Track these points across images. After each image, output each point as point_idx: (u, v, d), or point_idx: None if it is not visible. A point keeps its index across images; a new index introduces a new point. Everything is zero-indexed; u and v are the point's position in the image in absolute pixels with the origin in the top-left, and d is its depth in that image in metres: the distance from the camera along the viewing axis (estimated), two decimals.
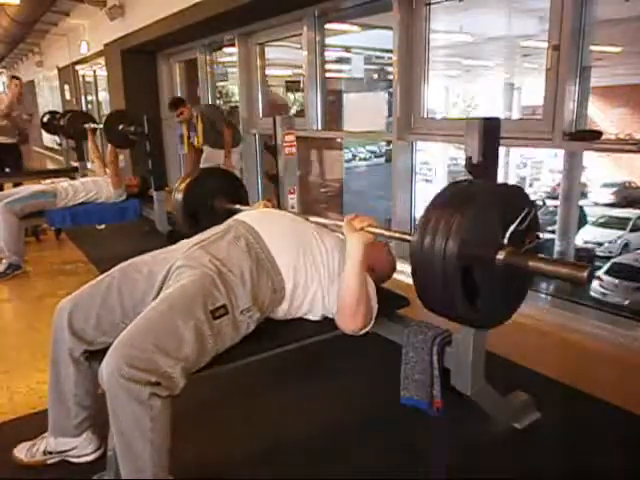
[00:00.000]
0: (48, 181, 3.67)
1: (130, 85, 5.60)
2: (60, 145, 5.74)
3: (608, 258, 6.62)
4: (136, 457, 1.18)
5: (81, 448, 1.51)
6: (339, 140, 5.35)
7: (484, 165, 1.39)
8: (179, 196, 2.16)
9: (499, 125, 1.39)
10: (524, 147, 3.07)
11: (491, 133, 1.34)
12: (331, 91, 4.24)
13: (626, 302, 5.45)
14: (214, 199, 2.20)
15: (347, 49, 5.28)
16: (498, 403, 1.57)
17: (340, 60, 5.40)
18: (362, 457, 1.55)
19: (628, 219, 7.95)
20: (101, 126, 4.09)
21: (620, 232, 7.70)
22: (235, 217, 1.65)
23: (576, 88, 2.09)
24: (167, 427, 1.19)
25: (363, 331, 1.49)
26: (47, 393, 1.50)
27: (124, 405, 1.15)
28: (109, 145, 3.81)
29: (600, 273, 5.85)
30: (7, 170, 5.22)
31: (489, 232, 1.16)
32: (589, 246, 7.13)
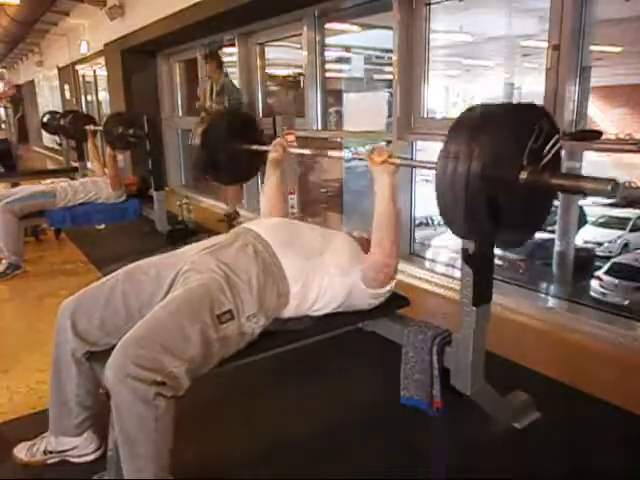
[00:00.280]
0: (48, 181, 3.66)
1: (130, 85, 5.61)
2: (60, 145, 5.74)
3: (608, 258, 6.61)
4: (138, 457, 1.18)
5: (81, 448, 1.51)
6: (339, 140, 5.35)
7: None
8: (197, 140, 2.12)
9: None
10: None
11: None
12: (331, 91, 4.23)
13: (626, 302, 5.44)
14: (231, 141, 2.17)
15: (347, 49, 5.28)
16: (498, 403, 1.57)
17: (340, 60, 5.40)
18: (362, 457, 1.55)
19: (628, 219, 7.94)
20: (101, 128, 4.09)
21: (620, 232, 7.69)
22: (243, 225, 1.66)
23: (576, 88, 2.09)
24: (170, 427, 1.20)
25: (389, 285, 1.53)
26: (47, 393, 1.50)
27: (129, 404, 1.15)
28: (108, 147, 3.80)
29: (600, 273, 5.85)
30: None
31: (510, 153, 1.14)
32: (589, 246, 7.13)
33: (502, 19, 4.25)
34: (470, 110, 1.19)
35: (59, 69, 9.32)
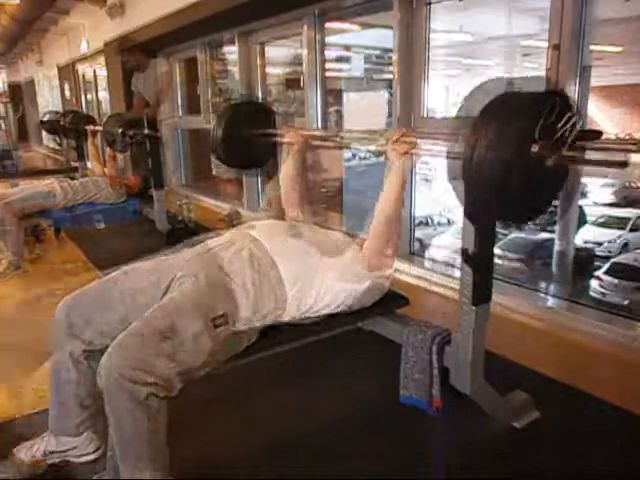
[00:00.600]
0: (48, 181, 3.66)
1: (130, 84, 5.60)
2: (60, 145, 5.74)
3: (608, 258, 6.61)
4: (134, 457, 1.18)
5: (82, 448, 1.51)
6: (339, 139, 5.35)
7: None
8: (219, 132, 2.16)
9: None
10: None
11: None
12: (331, 90, 4.23)
13: (626, 302, 5.44)
14: (248, 131, 2.20)
15: (347, 48, 5.29)
16: (497, 402, 1.57)
17: (340, 59, 5.40)
18: (361, 456, 1.55)
19: (628, 219, 7.94)
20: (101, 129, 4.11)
21: (620, 232, 7.70)
22: (240, 228, 1.66)
23: (576, 88, 2.08)
24: (164, 428, 1.20)
25: (389, 267, 1.57)
26: (47, 393, 1.50)
27: (122, 404, 1.15)
28: (108, 148, 3.80)
29: (600, 273, 5.85)
30: None
31: (534, 140, 1.15)
32: (589, 246, 7.13)
33: (502, 19, 4.26)
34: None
35: (59, 68, 9.31)
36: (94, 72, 8.17)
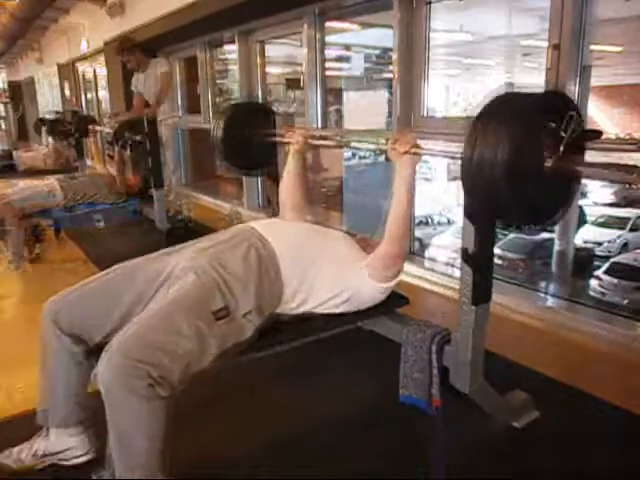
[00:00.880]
0: (48, 181, 3.66)
1: (130, 83, 5.60)
2: (60, 154, 5.76)
3: (607, 258, 6.61)
4: (132, 453, 1.18)
5: (74, 450, 1.49)
6: (338, 139, 5.35)
7: None
8: (219, 133, 2.14)
9: None
10: None
11: None
12: (331, 89, 4.23)
13: (625, 302, 5.45)
14: (249, 131, 2.18)
15: (347, 47, 5.28)
16: (497, 402, 1.57)
17: (340, 58, 5.39)
18: (360, 456, 1.55)
19: (627, 219, 7.95)
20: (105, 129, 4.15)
21: (619, 232, 7.70)
22: (247, 224, 1.66)
23: (576, 87, 2.09)
24: (164, 425, 1.19)
25: (396, 277, 1.52)
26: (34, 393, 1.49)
27: (123, 400, 1.14)
28: (117, 153, 3.81)
29: (599, 273, 5.85)
30: None
31: (537, 140, 1.14)
32: (589, 246, 7.13)
33: (502, 18, 4.25)
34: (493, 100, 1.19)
35: (59, 67, 9.31)
36: (94, 71, 8.17)
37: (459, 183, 1.18)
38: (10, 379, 2.03)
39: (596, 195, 9.18)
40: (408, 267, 2.84)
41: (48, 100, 11.13)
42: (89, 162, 5.25)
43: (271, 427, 1.70)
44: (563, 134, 1.13)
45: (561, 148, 1.13)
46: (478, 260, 1.34)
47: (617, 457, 1.51)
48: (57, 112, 8.60)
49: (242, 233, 1.55)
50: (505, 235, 5.78)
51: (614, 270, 5.90)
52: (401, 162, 1.45)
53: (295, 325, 1.53)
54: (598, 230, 7.79)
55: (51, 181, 3.62)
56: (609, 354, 1.84)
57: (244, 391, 1.90)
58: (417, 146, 1.44)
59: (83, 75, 8.87)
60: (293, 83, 4.70)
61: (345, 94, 5.12)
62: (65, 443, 1.48)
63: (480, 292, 1.38)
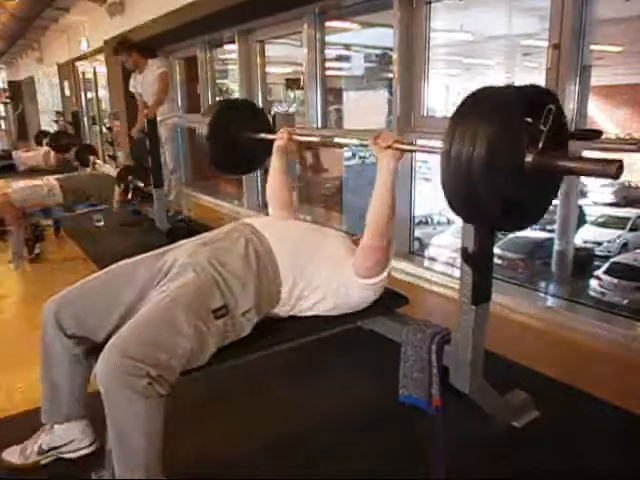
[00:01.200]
0: (47, 181, 3.65)
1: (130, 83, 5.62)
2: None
3: (607, 257, 6.61)
4: (132, 453, 1.18)
5: (77, 442, 1.51)
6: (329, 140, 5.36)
7: None
8: (205, 130, 2.09)
9: None
10: None
11: None
12: (331, 89, 4.23)
13: (625, 302, 5.45)
14: (238, 130, 2.13)
15: (347, 47, 5.28)
16: (497, 402, 1.57)
17: (340, 58, 5.39)
18: (360, 455, 1.55)
19: (627, 219, 7.95)
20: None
21: (619, 231, 7.70)
22: (243, 220, 1.66)
23: (576, 87, 2.09)
24: (162, 423, 1.19)
25: (382, 274, 1.49)
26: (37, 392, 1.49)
27: (121, 397, 1.15)
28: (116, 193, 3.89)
29: (599, 272, 5.85)
30: None
31: (516, 135, 1.12)
32: (589, 246, 7.13)
33: (502, 18, 4.25)
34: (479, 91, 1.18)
35: (59, 66, 9.30)
36: (94, 70, 8.16)
37: None
38: (10, 379, 2.03)
39: (596, 195, 9.18)
40: (408, 267, 2.84)
41: (48, 99, 11.13)
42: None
43: (271, 427, 1.70)
44: (542, 128, 1.11)
45: (540, 143, 1.11)
46: (478, 260, 1.34)
47: (617, 457, 1.51)
48: (57, 112, 8.62)
49: (239, 229, 1.55)
50: (505, 235, 5.78)
51: (614, 270, 5.90)
52: (383, 155, 1.46)
53: (295, 325, 1.53)
54: (598, 230, 7.79)
55: (51, 181, 3.62)
56: (609, 354, 1.84)
57: (244, 391, 1.90)
58: (399, 141, 1.45)
59: (83, 74, 8.87)
60: (293, 83, 4.69)
61: (345, 94, 5.11)
62: (69, 435, 1.50)
63: (480, 292, 1.38)
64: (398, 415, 1.63)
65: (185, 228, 3.81)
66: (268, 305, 1.46)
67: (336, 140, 1.81)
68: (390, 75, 3.11)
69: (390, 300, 1.70)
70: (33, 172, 5.30)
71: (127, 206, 3.90)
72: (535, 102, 1.14)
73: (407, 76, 2.74)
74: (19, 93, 13.61)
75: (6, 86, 14.28)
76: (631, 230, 7.77)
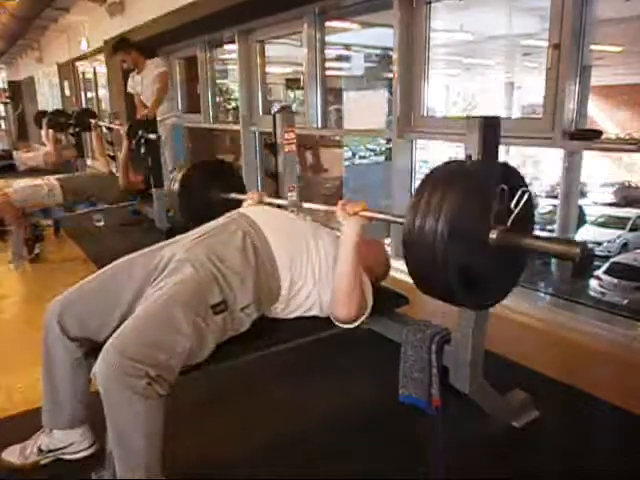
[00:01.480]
0: (48, 180, 3.65)
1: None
2: (60, 142, 5.75)
3: (607, 257, 6.62)
4: (132, 453, 1.18)
5: (77, 444, 1.50)
6: (338, 138, 5.36)
7: None
8: (175, 187, 2.18)
9: (499, 124, 1.39)
10: (524, 146, 3.07)
11: (491, 132, 1.34)
12: (331, 89, 4.23)
13: (625, 301, 5.45)
14: (211, 189, 2.22)
15: (347, 47, 5.27)
16: (497, 402, 1.57)
17: (340, 58, 5.39)
18: (360, 455, 1.55)
19: (627, 219, 7.95)
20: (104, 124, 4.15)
21: (619, 231, 7.70)
22: (238, 210, 1.66)
23: (576, 87, 2.08)
24: (161, 423, 1.19)
25: (355, 323, 1.49)
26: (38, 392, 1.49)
27: (121, 397, 1.14)
28: (124, 147, 3.80)
29: (599, 272, 5.86)
30: None
31: (480, 212, 1.15)
32: (588, 246, 7.14)
33: (502, 18, 4.25)
34: (447, 164, 1.22)
35: (59, 66, 9.30)
36: (94, 70, 8.16)
37: None
38: (10, 379, 2.03)
39: (596, 195, 9.19)
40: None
41: (48, 99, 11.11)
42: (89, 162, 5.26)
43: (270, 427, 1.70)
44: (513, 208, 1.15)
45: (509, 222, 1.15)
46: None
47: (617, 457, 1.51)
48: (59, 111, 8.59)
49: (236, 221, 1.54)
50: None
51: (614, 270, 5.90)
52: (348, 222, 1.49)
53: (294, 325, 1.53)
54: (598, 230, 7.79)
55: (51, 180, 3.62)
56: (609, 354, 1.84)
57: (243, 391, 1.90)
58: (365, 209, 1.49)
59: (83, 74, 8.86)
60: (293, 83, 4.69)
61: (345, 94, 5.11)
62: (69, 438, 1.50)
63: None
64: (398, 415, 1.63)
65: (185, 228, 3.80)
66: (268, 301, 1.46)
67: (305, 205, 1.88)
68: (390, 75, 3.11)
69: (390, 300, 1.70)
70: (33, 172, 5.30)
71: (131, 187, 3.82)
72: (504, 179, 1.17)
73: (407, 76, 2.74)
74: (19, 93, 13.61)
75: (6, 86, 14.27)
76: (631, 230, 7.77)
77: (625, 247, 7.37)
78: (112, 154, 4.58)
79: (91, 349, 1.39)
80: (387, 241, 2.86)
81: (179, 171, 2.22)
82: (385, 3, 2.79)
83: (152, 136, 3.55)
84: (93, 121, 4.70)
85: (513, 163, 1.32)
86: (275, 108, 4.78)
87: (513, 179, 1.21)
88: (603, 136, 2.03)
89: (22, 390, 1.94)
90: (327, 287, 1.50)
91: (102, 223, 4.44)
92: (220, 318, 1.32)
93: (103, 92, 7.95)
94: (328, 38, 3.63)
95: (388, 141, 3.14)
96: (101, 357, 1.16)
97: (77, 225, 4.26)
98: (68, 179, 3.77)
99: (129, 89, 4.52)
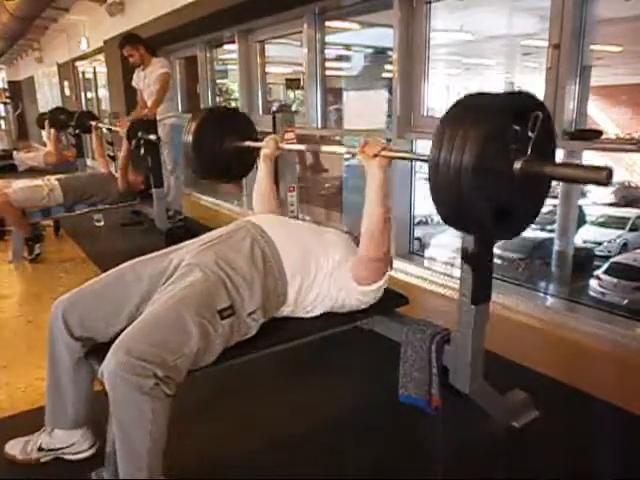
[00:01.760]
0: (48, 180, 3.65)
1: (130, 82, 5.62)
2: (60, 142, 5.76)
3: (607, 257, 6.62)
4: (136, 453, 1.18)
5: (77, 445, 1.51)
6: (338, 138, 5.36)
7: None
8: (189, 138, 2.06)
9: None
10: None
11: None
12: (331, 89, 4.23)
13: (625, 302, 5.45)
14: (224, 138, 2.10)
15: (347, 47, 5.27)
16: (496, 401, 1.57)
17: (340, 57, 5.39)
18: (360, 455, 1.55)
19: (627, 218, 7.95)
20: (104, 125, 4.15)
21: (619, 231, 7.70)
22: (246, 219, 1.66)
23: (576, 87, 2.09)
24: (165, 424, 1.19)
25: (380, 281, 1.50)
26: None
27: (127, 397, 1.15)
28: (124, 149, 3.79)
29: (599, 272, 5.85)
30: None
31: (504, 142, 1.12)
32: (588, 245, 7.13)
33: (503, 18, 4.25)
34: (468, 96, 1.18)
35: (59, 66, 9.30)
36: (94, 70, 8.16)
37: None
38: (10, 379, 2.03)
39: (595, 195, 9.18)
40: (408, 267, 2.84)
41: (48, 99, 11.12)
42: (89, 162, 5.26)
43: (271, 427, 1.71)
44: (530, 135, 1.12)
45: (529, 150, 1.12)
46: (478, 260, 1.34)
47: (617, 457, 1.51)
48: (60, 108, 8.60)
49: (244, 228, 1.55)
50: None
51: (614, 270, 5.90)
52: (370, 164, 1.46)
53: (295, 325, 1.53)
54: (598, 230, 7.79)
55: (51, 180, 3.62)
56: (609, 354, 1.84)
57: (244, 391, 1.90)
58: (386, 149, 1.45)
59: (83, 74, 8.86)
60: (293, 83, 4.69)
61: (345, 93, 5.11)
62: (70, 439, 1.51)
63: (480, 292, 1.38)
64: (398, 415, 1.63)
65: (185, 228, 3.81)
66: (274, 306, 1.47)
67: (324, 149, 1.82)
68: (386, 74, 3.11)
69: (390, 300, 1.70)
70: (33, 172, 5.30)
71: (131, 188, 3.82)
72: (523, 108, 1.14)
73: (407, 76, 2.74)
74: (19, 93, 13.62)
75: (6, 86, 14.27)
76: (631, 230, 7.77)
77: (625, 247, 7.37)
78: (112, 154, 4.58)
79: (92, 349, 1.40)
80: None
81: (191, 122, 2.09)
82: (385, 3, 2.80)
83: (152, 137, 3.54)
84: (93, 123, 4.68)
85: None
86: (274, 107, 4.78)
87: (530, 105, 1.16)
88: (603, 136, 2.03)
89: (23, 390, 1.94)
90: (336, 283, 1.51)
91: (102, 223, 4.44)
92: (227, 323, 1.32)
93: (103, 92, 7.95)
94: (328, 38, 3.63)
95: (388, 141, 3.14)
96: (109, 356, 1.16)
97: (77, 225, 4.26)
98: (68, 179, 3.76)
99: (133, 83, 4.52)
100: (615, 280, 5.67)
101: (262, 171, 1.93)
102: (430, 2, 2.66)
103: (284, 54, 4.78)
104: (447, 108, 1.15)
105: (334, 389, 1.91)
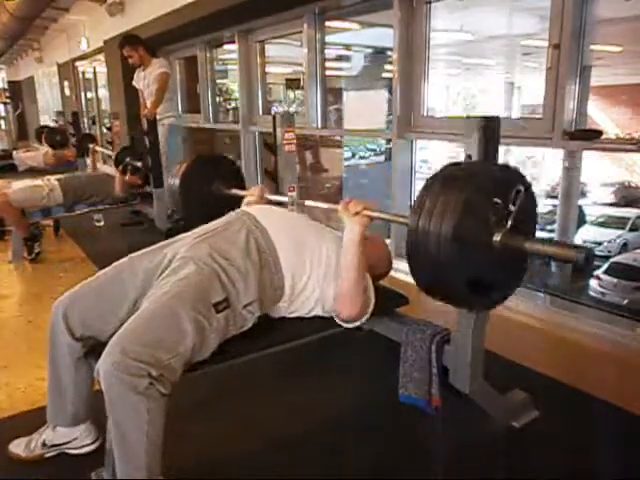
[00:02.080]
0: (48, 180, 3.65)
1: (130, 82, 5.62)
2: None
3: (607, 257, 6.62)
4: (133, 453, 1.18)
5: (80, 439, 1.52)
6: (339, 138, 5.35)
7: None
8: (175, 181, 2.15)
9: (499, 124, 1.39)
10: (524, 146, 3.07)
11: (491, 132, 1.34)
12: (331, 89, 4.23)
13: (625, 301, 5.45)
14: (211, 184, 2.19)
15: (347, 47, 5.27)
16: (496, 401, 1.57)
17: (340, 57, 5.39)
18: (360, 455, 1.55)
19: (627, 219, 7.95)
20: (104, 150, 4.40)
21: (619, 231, 7.71)
22: (242, 209, 1.66)
23: (576, 87, 2.08)
24: (162, 423, 1.19)
25: (358, 322, 1.50)
26: (46, 389, 1.50)
27: (122, 396, 1.15)
28: (118, 175, 3.85)
29: (599, 272, 5.86)
30: None
31: (484, 213, 1.15)
32: (589, 245, 7.14)
33: (503, 18, 4.25)
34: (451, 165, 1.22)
35: (59, 66, 9.30)
36: (94, 70, 8.16)
37: None
38: (10, 379, 2.03)
39: (595, 195, 9.18)
40: (407, 267, 2.84)
41: (48, 99, 11.12)
42: (88, 161, 5.26)
43: (271, 427, 1.71)
44: (512, 208, 1.15)
45: (509, 223, 1.14)
46: None
47: (617, 457, 1.51)
48: (58, 112, 8.62)
49: (239, 220, 1.54)
50: None
51: (614, 270, 5.90)
52: (351, 221, 1.48)
53: (295, 325, 1.53)
54: (598, 230, 7.80)
55: (51, 180, 3.62)
56: (609, 354, 1.84)
57: (244, 391, 1.90)
58: (367, 208, 1.47)
59: (83, 74, 8.86)
60: (293, 83, 4.69)
61: (345, 93, 5.11)
62: (73, 434, 1.52)
63: None
64: (398, 415, 1.63)
65: (184, 228, 3.80)
66: (271, 300, 1.46)
67: (306, 203, 1.88)
68: (385, 74, 3.11)
69: (390, 300, 1.70)
70: (33, 172, 5.30)
71: (129, 189, 3.88)
72: (505, 182, 1.18)
73: (407, 76, 2.74)
74: (19, 93, 13.61)
75: (6, 86, 14.27)
76: (631, 230, 7.77)
77: (625, 247, 7.37)
78: (111, 154, 4.62)
79: (92, 348, 1.40)
80: (388, 241, 2.86)
81: (181, 166, 2.19)
82: (385, 3, 2.79)
83: (138, 164, 3.65)
84: (91, 146, 4.99)
85: (515, 163, 1.31)
86: (275, 109, 4.78)
87: (513, 179, 1.20)
88: (603, 136, 2.03)
89: (23, 390, 1.94)
90: (330, 286, 1.50)
91: (102, 223, 4.44)
92: (222, 316, 1.32)
93: (103, 92, 7.95)
94: (328, 38, 3.63)
95: (388, 141, 3.14)
96: (104, 356, 1.16)
97: (77, 225, 4.26)
98: (68, 179, 3.76)
99: (134, 83, 4.52)
100: (615, 280, 5.67)
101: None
102: (430, 2, 2.65)
103: (284, 54, 4.77)
104: (427, 177, 1.18)
105: (334, 389, 1.91)
